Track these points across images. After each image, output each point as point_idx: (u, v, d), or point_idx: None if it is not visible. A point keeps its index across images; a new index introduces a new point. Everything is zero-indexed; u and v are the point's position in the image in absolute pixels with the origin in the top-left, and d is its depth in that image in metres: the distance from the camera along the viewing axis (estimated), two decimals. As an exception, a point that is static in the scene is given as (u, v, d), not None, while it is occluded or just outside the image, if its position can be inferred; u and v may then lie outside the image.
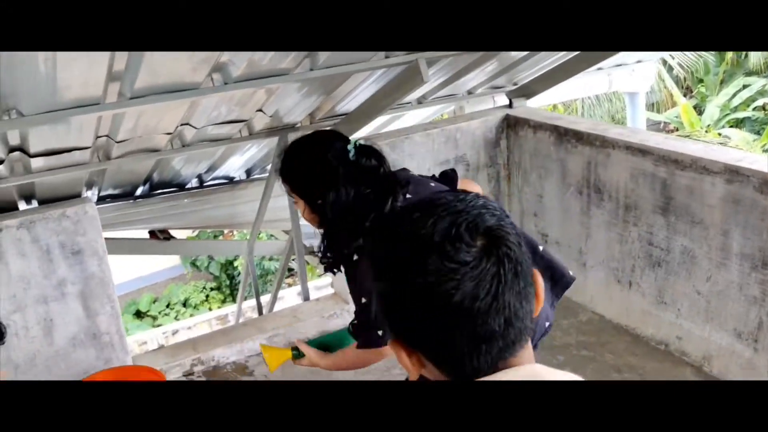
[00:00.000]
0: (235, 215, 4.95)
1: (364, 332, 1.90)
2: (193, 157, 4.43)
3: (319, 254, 1.94)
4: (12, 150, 2.86)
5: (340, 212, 1.81)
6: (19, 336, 2.99)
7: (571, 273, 2.10)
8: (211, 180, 5.14)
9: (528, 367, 0.88)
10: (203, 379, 3.47)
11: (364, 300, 1.86)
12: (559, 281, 2.08)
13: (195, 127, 3.27)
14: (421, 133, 3.74)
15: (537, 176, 3.88)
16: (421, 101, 4.04)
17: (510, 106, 4.09)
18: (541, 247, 2.10)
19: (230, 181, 5.25)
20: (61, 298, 3.08)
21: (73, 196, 3.68)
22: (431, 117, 5.03)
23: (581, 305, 3.76)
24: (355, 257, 1.82)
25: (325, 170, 1.81)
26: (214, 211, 4.79)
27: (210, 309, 13.67)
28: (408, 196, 1.87)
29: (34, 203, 3.93)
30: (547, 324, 2.04)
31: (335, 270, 1.95)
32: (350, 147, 1.83)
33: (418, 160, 3.74)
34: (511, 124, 3.98)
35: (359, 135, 3.75)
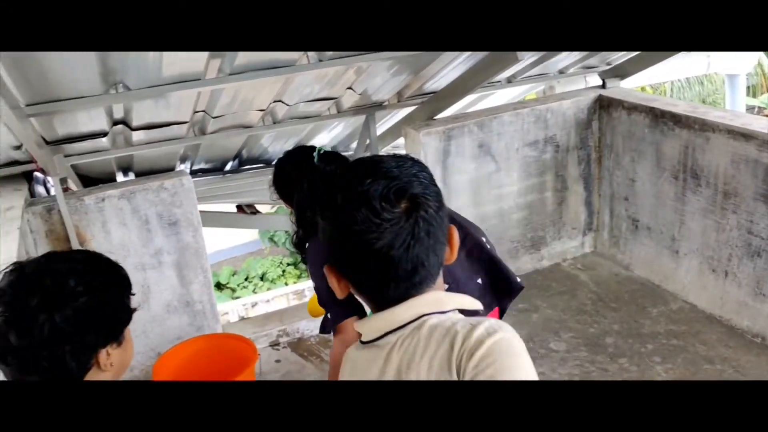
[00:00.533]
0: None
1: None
2: (282, 134, 4.51)
3: (293, 235, 2.25)
4: (116, 123, 2.98)
5: (303, 208, 2.13)
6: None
7: (518, 280, 2.22)
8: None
9: (430, 294, 1.11)
10: (288, 349, 3.56)
11: (313, 284, 2.17)
12: (501, 282, 2.18)
13: (287, 104, 3.32)
14: (511, 113, 3.69)
15: (629, 159, 3.76)
16: (510, 80, 3.98)
17: (603, 86, 3.98)
18: (488, 246, 2.22)
19: (315, 158, 5.32)
20: (157, 267, 3.21)
21: (168, 170, 3.82)
22: (520, 96, 4.94)
23: (672, 293, 3.64)
24: (307, 244, 2.14)
25: (290, 177, 2.21)
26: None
27: (286, 284, 13.98)
28: None
29: (131, 175, 4.10)
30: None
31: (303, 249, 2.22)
32: (315, 154, 2.17)
33: (507, 139, 3.69)
34: (603, 105, 3.87)
35: (447, 113, 3.73)
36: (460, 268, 2.09)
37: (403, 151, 5.29)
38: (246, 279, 14.63)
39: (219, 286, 14.39)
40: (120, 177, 3.96)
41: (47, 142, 2.91)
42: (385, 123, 4.47)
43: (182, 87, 2.58)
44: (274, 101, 3.26)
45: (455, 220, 2.15)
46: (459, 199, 3.67)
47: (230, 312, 10.76)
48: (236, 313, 10.77)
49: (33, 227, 2.97)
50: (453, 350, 1.03)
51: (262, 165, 5.00)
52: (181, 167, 4.13)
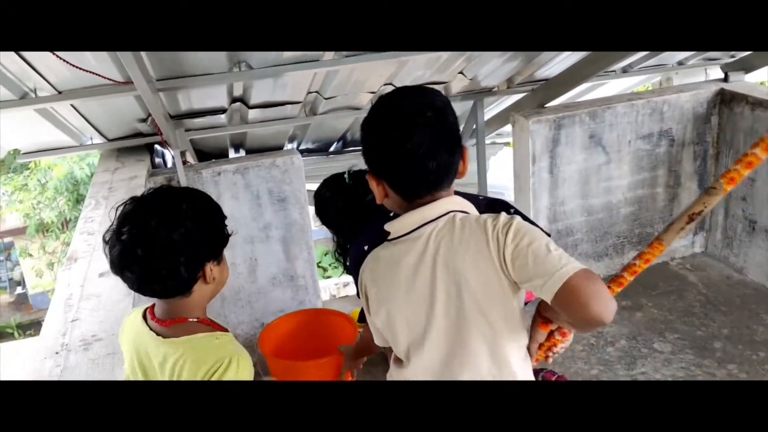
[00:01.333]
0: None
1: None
2: (387, 116, 4.56)
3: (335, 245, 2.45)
4: (234, 101, 3.09)
5: (341, 224, 2.34)
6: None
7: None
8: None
9: (455, 197, 1.40)
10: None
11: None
12: None
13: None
14: (625, 104, 3.57)
15: (750, 157, 3.57)
16: (626, 70, 3.85)
17: (725, 79, 3.78)
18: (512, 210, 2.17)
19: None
20: (265, 240, 3.32)
21: (276, 148, 3.94)
22: (634, 87, 4.78)
23: (789, 301, 3.45)
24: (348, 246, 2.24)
25: (327, 201, 2.38)
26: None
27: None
28: None
29: (242, 152, 4.24)
30: None
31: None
32: (345, 175, 2.34)
33: (619, 131, 3.58)
34: (725, 100, 3.68)
35: (557, 102, 3.66)
36: None
37: (509, 140, 5.23)
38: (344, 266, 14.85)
39: (312, 265, 14.67)
40: (231, 153, 4.11)
41: (171, 117, 3.06)
42: (492, 109, 4.43)
43: (301, 67, 2.65)
44: (385, 84, 3.29)
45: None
46: (566, 190, 3.59)
47: (323, 290, 10.96)
48: (328, 291, 10.98)
49: (154, 196, 3.13)
50: (487, 234, 1.32)
51: (365, 147, 5.06)
52: (288, 146, 4.25)
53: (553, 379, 2.80)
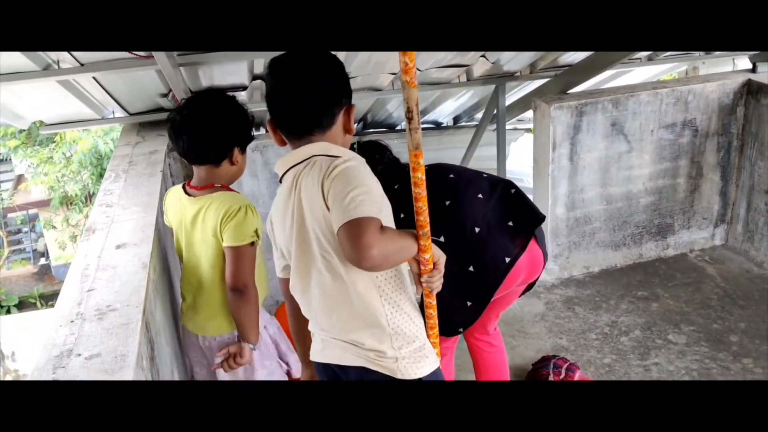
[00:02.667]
0: (440, 159, 5.02)
1: None
2: (408, 99, 4.54)
3: None
4: (255, 78, 3.10)
5: None
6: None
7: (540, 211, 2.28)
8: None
9: (320, 143, 1.55)
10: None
11: None
12: (527, 216, 2.23)
13: (419, 69, 3.32)
14: (649, 92, 3.52)
15: (776, 150, 3.52)
16: (651, 58, 3.80)
17: (753, 70, 3.71)
18: (513, 191, 2.27)
19: (438, 126, 5.32)
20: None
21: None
22: (659, 76, 4.71)
23: (809, 297, 3.40)
24: None
25: None
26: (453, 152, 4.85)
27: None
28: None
29: (262, 130, 4.25)
30: (507, 259, 2.12)
31: None
32: (354, 146, 2.24)
33: (642, 120, 3.54)
34: (752, 91, 3.62)
35: (580, 89, 3.62)
36: (493, 213, 2.17)
37: (530, 126, 5.19)
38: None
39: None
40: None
41: (192, 93, 3.07)
42: (514, 94, 4.39)
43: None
44: (407, 65, 3.27)
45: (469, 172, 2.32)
46: (585, 178, 3.56)
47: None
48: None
49: (173, 171, 3.15)
50: (322, 175, 1.47)
51: (384, 129, 5.06)
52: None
53: (565, 366, 2.80)
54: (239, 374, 2.16)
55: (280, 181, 1.63)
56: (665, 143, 3.63)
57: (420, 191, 1.50)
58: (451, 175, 2.22)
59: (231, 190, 2.10)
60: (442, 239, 2.08)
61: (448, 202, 2.15)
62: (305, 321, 1.74)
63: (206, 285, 2.13)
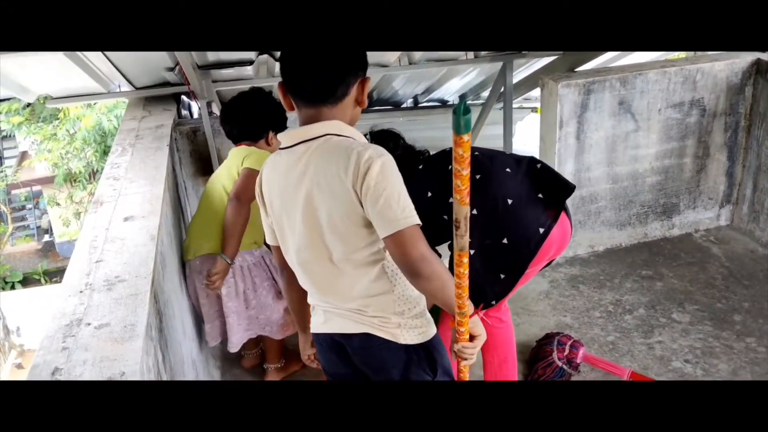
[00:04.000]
0: (445, 138, 4.99)
1: None
2: (414, 77, 4.51)
3: None
4: (261, 52, 3.08)
5: None
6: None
7: (570, 181, 2.30)
8: (425, 102, 5.23)
9: (335, 121, 1.54)
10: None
11: None
12: (556, 187, 2.23)
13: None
14: (657, 71, 3.50)
15: (783, 130, 3.50)
16: (660, 37, 3.76)
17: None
18: (539, 165, 2.29)
19: (444, 104, 5.31)
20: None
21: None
22: (666, 54, 4.68)
23: (814, 278, 3.41)
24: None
25: None
26: (426, 132, 4.86)
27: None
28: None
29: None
30: (541, 230, 2.12)
31: None
32: (367, 136, 2.28)
33: (649, 99, 3.52)
34: (761, 70, 3.59)
35: (588, 66, 3.60)
36: (522, 185, 2.18)
37: (536, 105, 5.17)
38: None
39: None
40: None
41: (198, 67, 3.06)
42: (521, 72, 4.37)
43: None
44: (414, 41, 3.25)
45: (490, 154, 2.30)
46: (592, 157, 3.55)
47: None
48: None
49: (179, 146, 3.15)
50: (350, 160, 1.47)
51: (390, 108, 5.04)
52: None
53: (569, 343, 2.82)
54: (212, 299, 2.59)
55: (280, 148, 1.63)
56: (672, 122, 3.61)
57: (461, 292, 1.51)
58: (476, 153, 2.22)
59: None
60: (474, 212, 2.08)
61: (478, 176, 2.15)
62: (301, 290, 1.76)
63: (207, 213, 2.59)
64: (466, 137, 1.25)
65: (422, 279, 1.49)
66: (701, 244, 3.83)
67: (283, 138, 1.61)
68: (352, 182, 1.48)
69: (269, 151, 2.56)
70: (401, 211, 1.47)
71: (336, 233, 1.56)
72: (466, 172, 1.31)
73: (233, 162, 2.56)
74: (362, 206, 1.50)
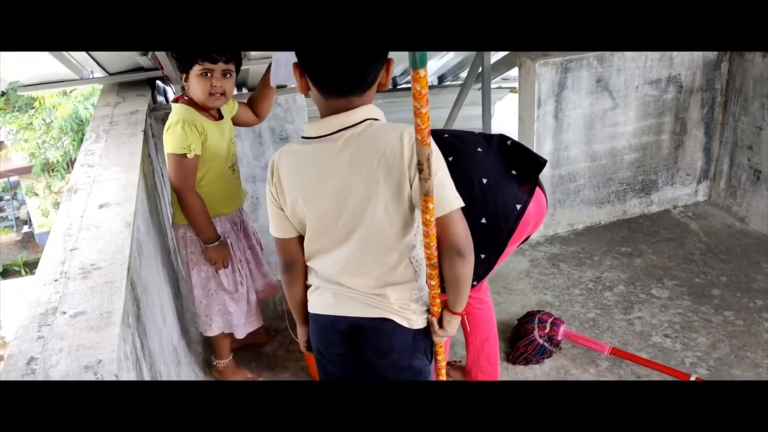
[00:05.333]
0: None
1: None
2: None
3: None
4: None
5: None
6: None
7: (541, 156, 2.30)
8: (404, 84, 5.20)
9: (373, 107, 1.53)
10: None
11: None
12: (528, 163, 2.22)
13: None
14: (634, 48, 3.50)
15: (759, 106, 3.52)
16: (636, 14, 3.77)
17: (738, 25, 3.70)
18: (509, 142, 2.28)
19: (422, 85, 5.28)
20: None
21: (280, 87, 3.89)
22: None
23: (790, 251, 3.45)
24: None
25: None
26: (405, 114, 4.83)
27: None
28: None
29: (244, 90, 4.20)
30: (518, 206, 2.14)
31: None
32: None
33: (627, 76, 3.53)
34: (736, 46, 3.61)
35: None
36: (496, 163, 2.18)
37: (514, 85, 5.16)
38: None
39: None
40: (234, 90, 4.07)
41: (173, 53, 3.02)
42: (499, 52, 4.36)
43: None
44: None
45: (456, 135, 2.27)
46: (570, 135, 3.56)
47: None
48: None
49: (155, 131, 3.11)
50: (402, 144, 1.47)
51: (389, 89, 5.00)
52: (292, 86, 4.20)
53: (550, 320, 2.83)
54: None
55: (305, 138, 1.57)
56: (650, 99, 3.63)
57: (430, 241, 1.55)
58: (446, 135, 2.21)
59: (189, 103, 2.44)
60: None
61: (450, 159, 2.14)
62: (305, 285, 1.76)
63: None
64: (422, 72, 1.28)
65: (464, 260, 1.56)
66: (679, 220, 3.87)
67: (312, 128, 1.55)
68: (407, 164, 1.48)
69: (192, 90, 2.41)
70: (452, 191, 1.53)
71: (381, 219, 1.56)
72: (426, 110, 1.35)
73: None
74: (411, 188, 1.51)
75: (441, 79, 5.27)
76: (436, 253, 1.58)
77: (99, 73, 3.30)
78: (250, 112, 2.70)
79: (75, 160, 10.42)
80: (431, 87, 5.15)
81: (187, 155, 2.34)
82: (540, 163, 2.22)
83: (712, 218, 3.85)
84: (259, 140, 3.25)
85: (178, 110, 2.40)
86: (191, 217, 2.43)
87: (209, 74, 2.36)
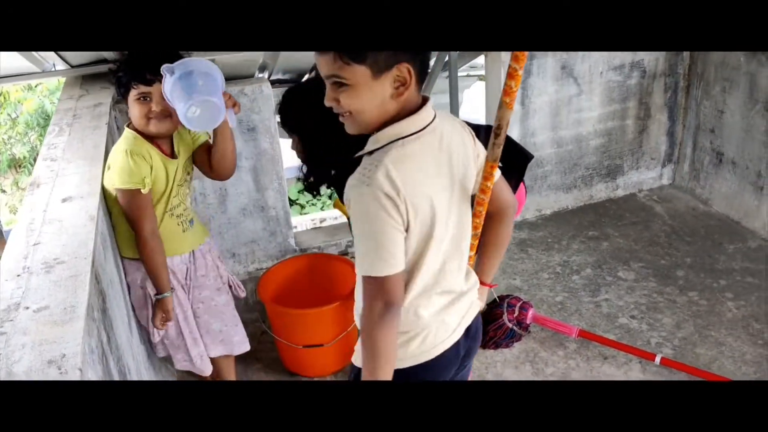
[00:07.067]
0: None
1: None
2: (360, 47, 4.47)
3: (302, 179, 2.31)
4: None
5: (322, 141, 2.07)
6: (197, 201, 3.26)
7: (529, 151, 2.35)
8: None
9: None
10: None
11: None
12: (516, 156, 2.25)
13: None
14: (597, 35, 3.54)
15: (720, 90, 3.59)
16: (600, 0, 3.81)
17: (699, 10, 3.75)
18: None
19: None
20: (235, 170, 3.29)
21: (247, 77, 3.87)
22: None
23: (752, 231, 3.53)
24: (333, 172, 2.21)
25: (309, 113, 2.03)
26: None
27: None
28: None
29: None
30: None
31: (315, 191, 2.34)
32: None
33: (591, 62, 3.56)
34: (697, 31, 3.67)
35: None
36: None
37: (482, 72, 5.18)
38: (314, 196, 14.86)
39: (289, 202, 14.70)
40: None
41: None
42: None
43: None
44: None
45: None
46: (536, 122, 3.60)
47: (299, 226, 10.99)
48: (305, 227, 11.00)
49: (119, 124, 3.08)
50: (471, 135, 1.54)
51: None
52: (259, 76, 4.17)
53: (518, 305, 2.87)
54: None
55: (404, 138, 1.41)
56: (614, 85, 3.68)
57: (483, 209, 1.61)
58: None
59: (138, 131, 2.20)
60: None
61: None
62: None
63: None
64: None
65: (511, 222, 1.68)
66: (645, 203, 3.93)
67: (413, 124, 1.39)
68: (472, 151, 1.53)
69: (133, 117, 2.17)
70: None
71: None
72: (521, 72, 1.39)
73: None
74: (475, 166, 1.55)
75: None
76: (482, 222, 1.63)
77: (61, 65, 3.25)
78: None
79: (42, 155, 10.21)
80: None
81: (142, 190, 2.14)
82: (527, 157, 2.25)
83: (677, 201, 3.93)
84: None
85: (125, 138, 2.19)
86: (149, 260, 2.19)
87: (147, 98, 2.12)
